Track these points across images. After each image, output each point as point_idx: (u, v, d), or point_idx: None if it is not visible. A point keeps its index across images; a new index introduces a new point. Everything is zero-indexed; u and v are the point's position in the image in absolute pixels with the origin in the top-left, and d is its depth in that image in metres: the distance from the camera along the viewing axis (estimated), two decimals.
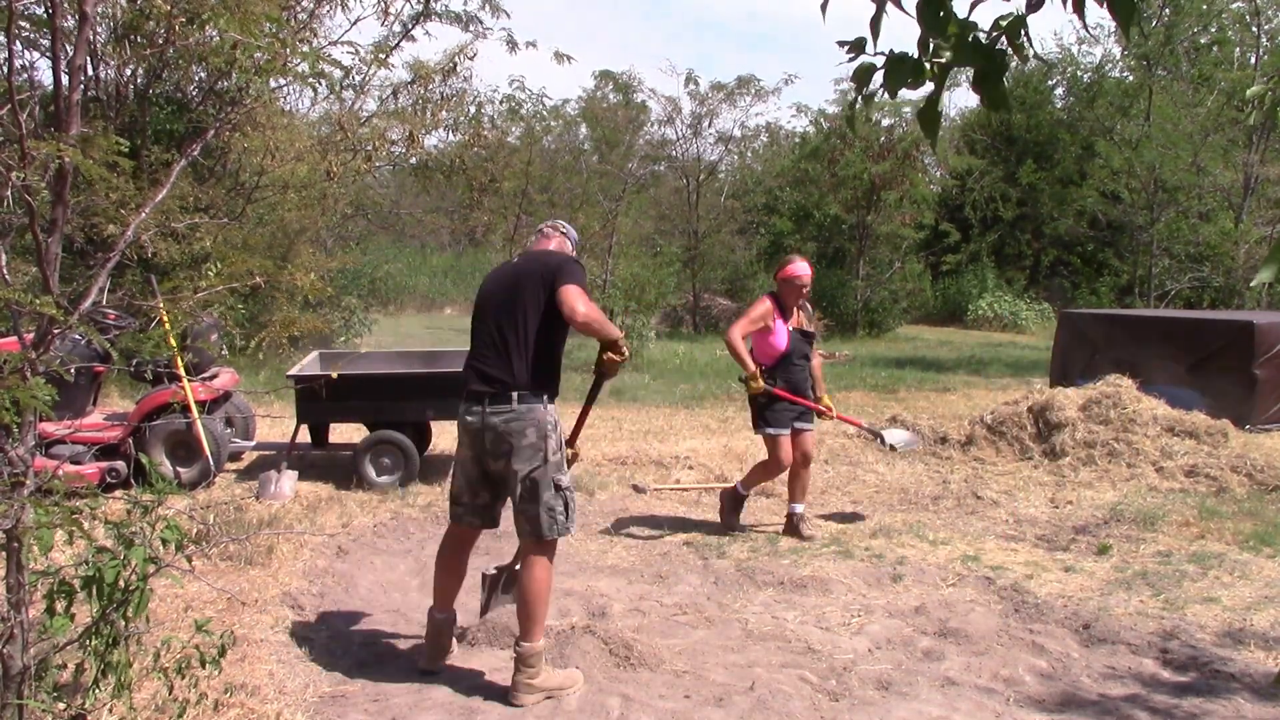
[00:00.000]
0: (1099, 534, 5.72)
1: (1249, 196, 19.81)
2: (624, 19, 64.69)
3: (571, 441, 3.85)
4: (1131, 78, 25.30)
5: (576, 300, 3.40)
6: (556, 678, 3.54)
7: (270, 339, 3.77)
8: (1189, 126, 20.21)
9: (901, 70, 1.77)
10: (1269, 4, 22.21)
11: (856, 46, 1.82)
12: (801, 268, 5.52)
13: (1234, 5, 22.35)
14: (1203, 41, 22.91)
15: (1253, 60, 22.12)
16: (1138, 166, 21.25)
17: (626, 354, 3.63)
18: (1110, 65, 26.96)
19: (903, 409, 9.49)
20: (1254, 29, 22.25)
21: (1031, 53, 1.77)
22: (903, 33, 2.00)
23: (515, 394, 3.44)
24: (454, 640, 3.88)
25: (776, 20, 61.16)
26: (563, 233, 3.87)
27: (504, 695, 3.48)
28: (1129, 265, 24.21)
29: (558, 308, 3.43)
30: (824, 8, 1.83)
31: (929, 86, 1.82)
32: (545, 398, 3.48)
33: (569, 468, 3.65)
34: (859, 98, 1.88)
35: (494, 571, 4.12)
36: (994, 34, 1.75)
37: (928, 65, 1.76)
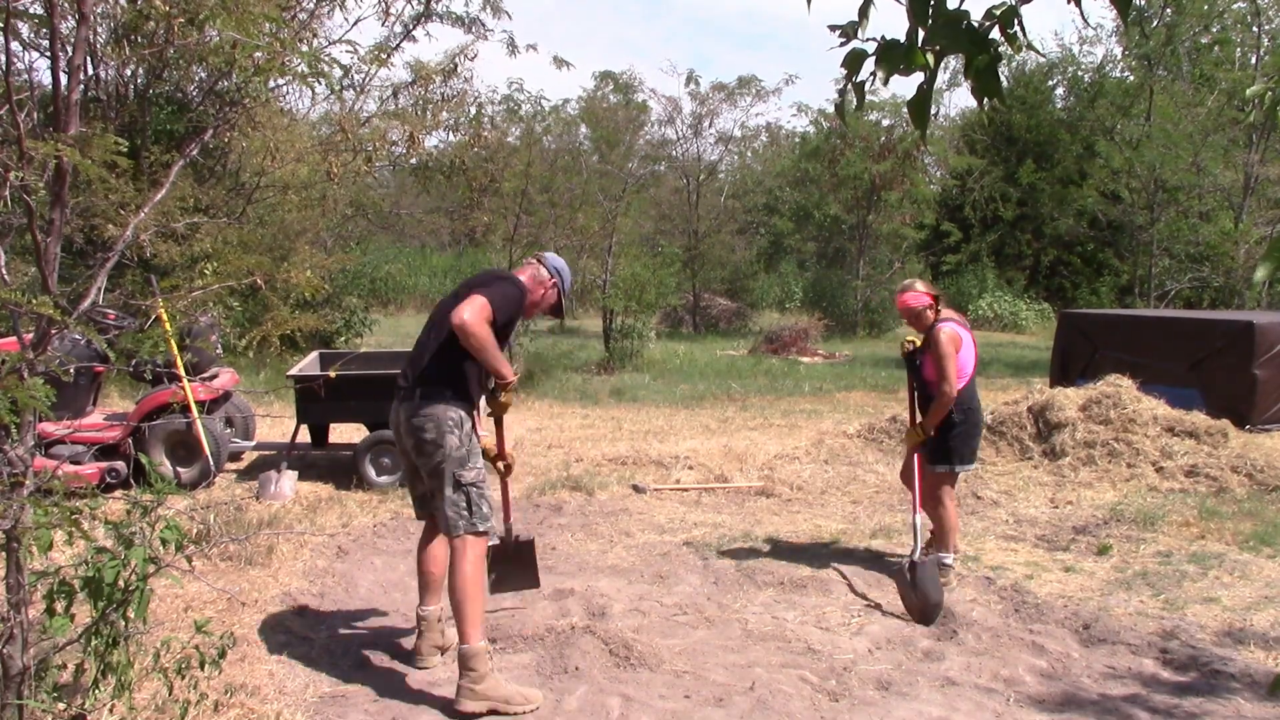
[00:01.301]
0: (1099, 534, 5.72)
1: (1249, 196, 19.81)
2: (620, 19, 64.72)
3: (501, 453, 3.89)
4: (1132, 78, 25.29)
5: (466, 307, 3.38)
6: (505, 690, 3.37)
7: (262, 337, 3.77)
8: (1189, 126, 20.20)
9: (894, 56, 1.75)
10: (1270, 4, 22.20)
11: (848, 31, 1.81)
12: (901, 297, 4.97)
13: (1235, 5, 22.34)
14: (1204, 41, 22.89)
15: (1253, 60, 22.12)
16: (1138, 166, 21.25)
17: (507, 399, 3.64)
18: (1111, 65, 26.99)
19: (903, 409, 9.48)
20: (1255, 29, 22.25)
21: (1025, 43, 1.75)
22: (890, 24, 1.97)
23: (419, 390, 3.52)
24: (445, 635, 3.84)
25: (775, 20, 61.20)
26: (537, 261, 3.86)
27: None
28: (1129, 265, 24.21)
29: None
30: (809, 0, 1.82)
31: (919, 76, 1.81)
32: (448, 395, 3.50)
33: (506, 475, 3.89)
34: (849, 85, 1.87)
35: (495, 542, 4.04)
36: (986, 23, 1.74)
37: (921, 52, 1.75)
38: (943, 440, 4.88)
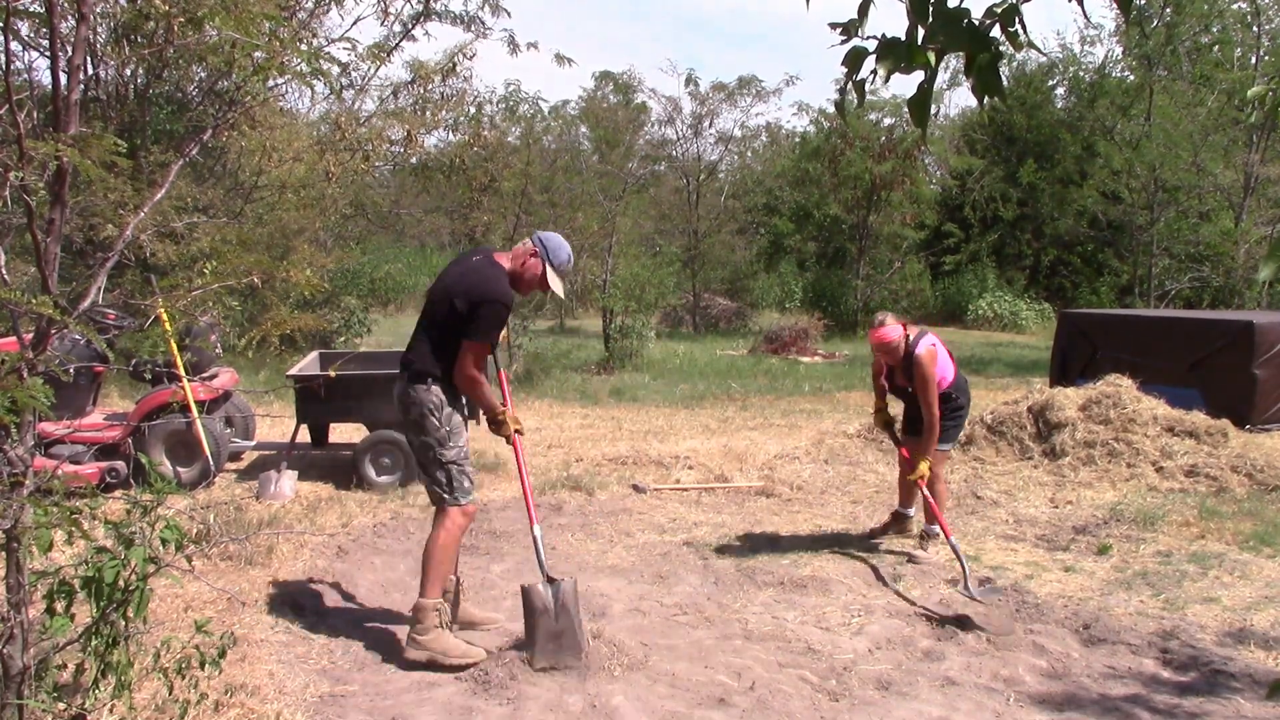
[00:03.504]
0: (1099, 534, 5.72)
1: (1249, 196, 19.80)
2: (606, 19, 64.58)
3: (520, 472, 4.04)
4: (1132, 77, 25.29)
5: (467, 360, 3.74)
6: (446, 644, 3.71)
7: (260, 337, 3.82)
8: (1189, 126, 20.19)
9: (894, 54, 1.75)
10: (1270, 4, 22.20)
11: (849, 29, 1.80)
12: (877, 333, 5.21)
13: (1235, 5, 22.34)
14: (1204, 41, 22.89)
15: (1253, 61, 22.12)
16: (1138, 166, 21.24)
17: (509, 428, 3.90)
18: (1111, 65, 26.98)
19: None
20: (1255, 29, 22.24)
21: (1026, 41, 1.75)
22: (890, 23, 1.97)
23: (408, 373, 3.84)
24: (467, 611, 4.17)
25: (764, 19, 61.09)
26: (528, 247, 3.93)
27: (503, 697, 3.48)
28: (1129, 265, 24.20)
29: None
30: None
31: (919, 75, 1.80)
32: (429, 381, 3.79)
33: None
34: (849, 83, 1.86)
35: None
36: (987, 21, 1.74)
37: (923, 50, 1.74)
38: (948, 423, 5.30)
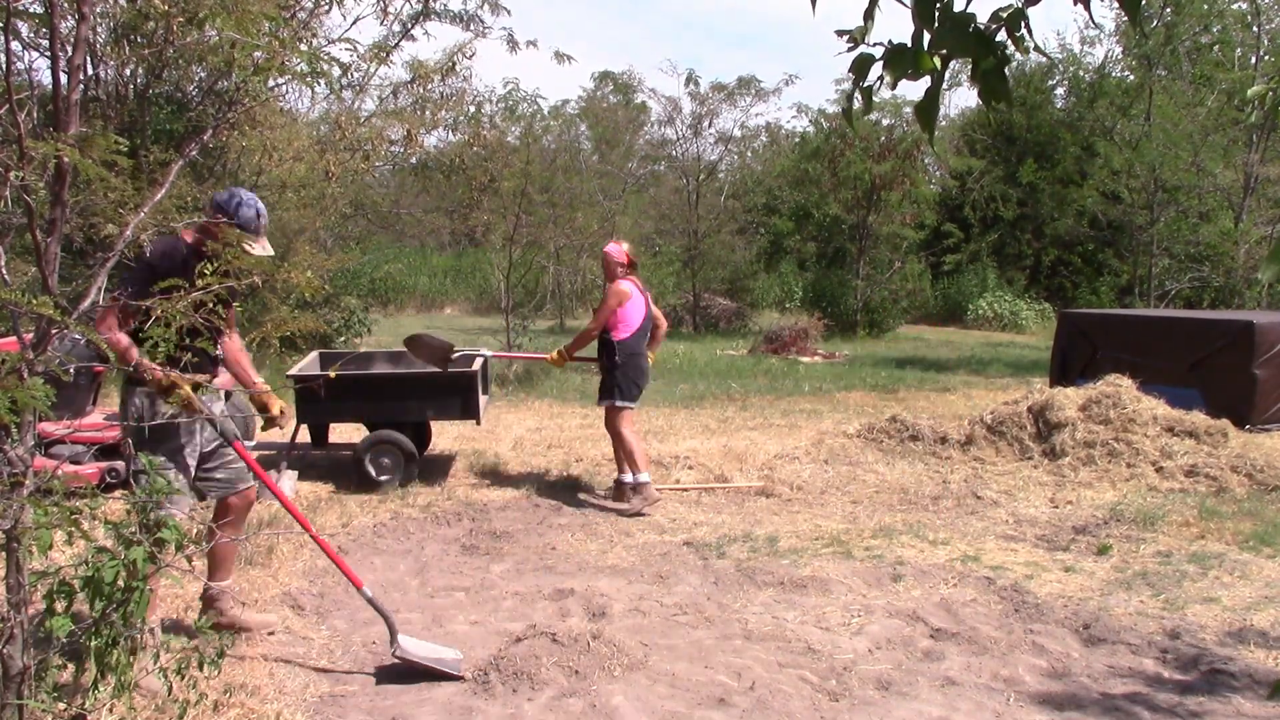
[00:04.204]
0: (1099, 534, 5.72)
1: (1249, 196, 19.79)
2: (600, 18, 64.61)
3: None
4: (1132, 78, 25.31)
5: (100, 327, 3.35)
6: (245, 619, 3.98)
7: (262, 338, 3.81)
8: (1189, 126, 20.18)
9: (901, 61, 1.75)
10: (1270, 4, 22.20)
11: (855, 36, 1.80)
12: (606, 247, 6.38)
13: (1235, 5, 22.34)
14: (1203, 41, 22.89)
15: (1253, 61, 22.12)
16: (1138, 166, 21.25)
17: (175, 399, 3.35)
18: (1111, 65, 27.00)
19: (903, 409, 9.48)
20: (1255, 29, 22.24)
21: (1032, 45, 1.75)
22: (894, 27, 1.97)
23: (125, 376, 3.65)
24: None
25: (764, 19, 61.14)
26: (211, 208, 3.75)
27: (503, 697, 3.48)
28: (1129, 265, 24.21)
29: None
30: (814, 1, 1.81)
31: (927, 81, 1.80)
32: (132, 382, 3.63)
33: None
34: (856, 89, 1.86)
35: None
36: (993, 26, 1.73)
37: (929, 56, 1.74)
38: (608, 379, 6.19)
